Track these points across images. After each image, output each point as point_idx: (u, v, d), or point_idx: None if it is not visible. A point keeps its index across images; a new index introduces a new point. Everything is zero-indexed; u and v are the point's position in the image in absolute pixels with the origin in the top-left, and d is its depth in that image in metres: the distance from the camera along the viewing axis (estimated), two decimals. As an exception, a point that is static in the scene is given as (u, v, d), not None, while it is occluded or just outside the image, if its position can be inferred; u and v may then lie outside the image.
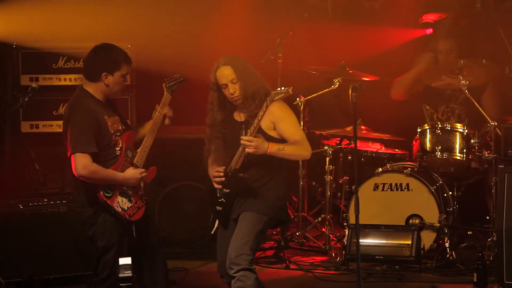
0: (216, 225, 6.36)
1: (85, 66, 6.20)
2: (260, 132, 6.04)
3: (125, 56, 6.16)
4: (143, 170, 6.12)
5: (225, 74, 6.14)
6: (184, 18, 9.15)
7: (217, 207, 6.26)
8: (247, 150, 5.95)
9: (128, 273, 5.09)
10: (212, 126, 6.27)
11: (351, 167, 8.54)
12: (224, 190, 6.19)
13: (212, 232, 6.38)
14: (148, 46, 8.41)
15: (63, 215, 7.35)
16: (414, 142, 8.56)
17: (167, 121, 6.35)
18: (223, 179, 6.15)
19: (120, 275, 5.10)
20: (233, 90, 6.14)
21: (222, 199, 6.23)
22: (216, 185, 6.22)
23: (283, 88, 5.91)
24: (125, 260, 5.15)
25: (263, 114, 5.94)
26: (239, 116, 6.26)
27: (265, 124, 6.07)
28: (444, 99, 8.72)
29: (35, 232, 7.29)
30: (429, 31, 9.64)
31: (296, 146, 6.08)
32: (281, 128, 6.11)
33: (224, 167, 6.17)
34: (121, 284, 5.08)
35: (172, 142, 8.23)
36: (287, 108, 6.20)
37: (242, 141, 5.94)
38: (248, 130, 5.98)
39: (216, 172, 6.19)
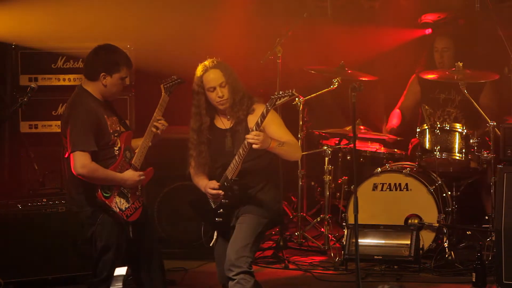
0: (215, 237, 6.34)
1: (85, 65, 6.19)
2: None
3: (126, 59, 6.14)
4: (141, 172, 6.10)
5: (214, 77, 6.14)
6: (183, 19, 9.15)
7: (216, 218, 6.23)
8: (254, 146, 5.87)
9: (119, 286, 5.12)
10: (199, 131, 6.23)
11: (350, 167, 8.53)
12: (223, 201, 6.17)
13: (211, 245, 6.35)
14: (147, 47, 8.41)
15: (61, 215, 7.35)
16: (412, 140, 8.60)
17: (154, 129, 6.19)
18: (222, 193, 6.12)
19: (111, 287, 5.14)
20: (222, 94, 6.13)
21: (221, 210, 6.21)
22: (214, 200, 6.20)
23: (282, 92, 5.90)
24: (120, 271, 5.17)
25: (263, 118, 5.90)
26: (222, 123, 6.26)
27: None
28: (439, 104, 8.73)
29: (33, 232, 7.28)
30: (428, 31, 9.65)
31: (291, 145, 6.12)
32: (272, 129, 6.10)
33: (218, 183, 6.14)
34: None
35: (171, 142, 8.19)
36: (274, 112, 6.18)
37: (249, 137, 5.87)
38: (251, 131, 5.92)
39: (211, 190, 6.14)
